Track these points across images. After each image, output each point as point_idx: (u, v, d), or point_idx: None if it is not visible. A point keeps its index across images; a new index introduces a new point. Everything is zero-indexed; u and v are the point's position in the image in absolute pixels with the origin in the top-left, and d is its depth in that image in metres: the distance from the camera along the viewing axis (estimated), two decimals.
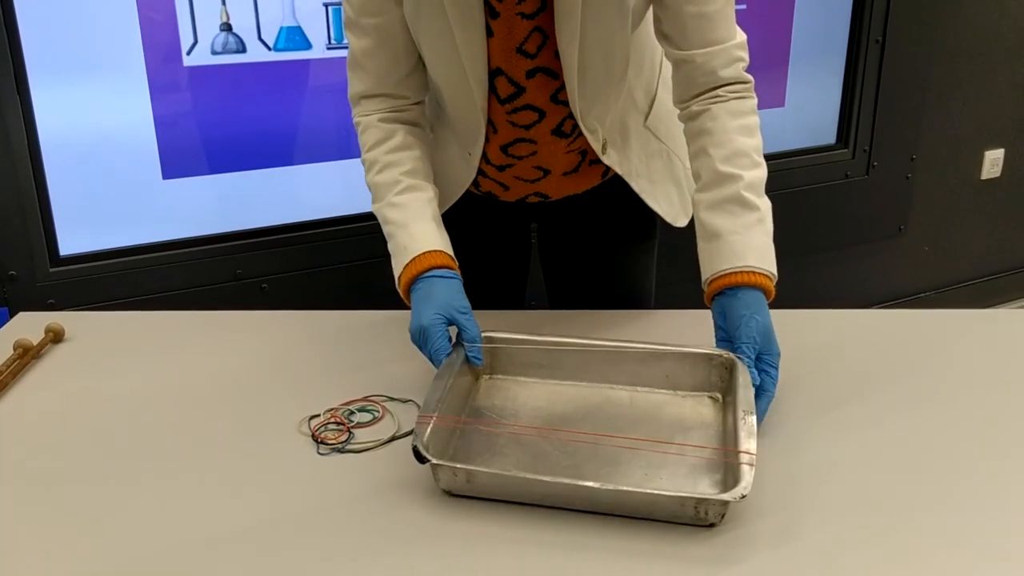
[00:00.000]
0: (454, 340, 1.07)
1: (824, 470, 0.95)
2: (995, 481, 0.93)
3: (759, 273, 1.06)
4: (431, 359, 1.06)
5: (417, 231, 1.14)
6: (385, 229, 1.17)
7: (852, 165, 2.59)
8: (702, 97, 1.14)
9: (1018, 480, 0.93)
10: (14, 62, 1.64)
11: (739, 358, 1.03)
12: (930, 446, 0.99)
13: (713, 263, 1.09)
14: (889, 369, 1.15)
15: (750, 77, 1.14)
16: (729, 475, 0.89)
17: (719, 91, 1.12)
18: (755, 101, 1.15)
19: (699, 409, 1.05)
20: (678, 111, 1.18)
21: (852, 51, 2.49)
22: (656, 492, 0.86)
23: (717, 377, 1.06)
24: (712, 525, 0.86)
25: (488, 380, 1.10)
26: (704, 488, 0.90)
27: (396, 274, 1.14)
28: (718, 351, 1.06)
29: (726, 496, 0.83)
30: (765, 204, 1.11)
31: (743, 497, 0.83)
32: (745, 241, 1.07)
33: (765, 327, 1.04)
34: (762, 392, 1.01)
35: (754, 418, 0.93)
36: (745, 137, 1.12)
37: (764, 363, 1.03)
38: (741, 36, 1.14)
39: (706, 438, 0.99)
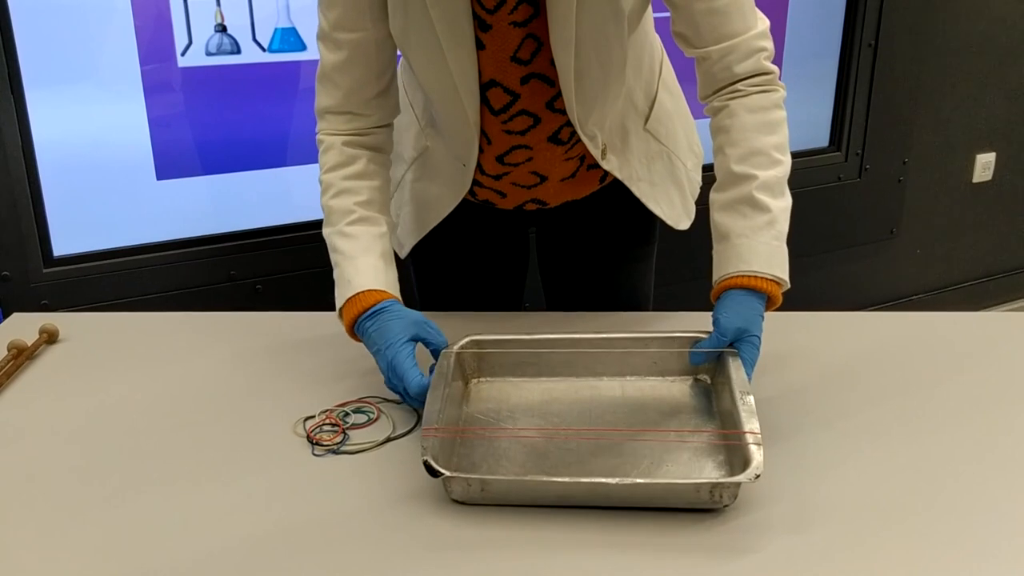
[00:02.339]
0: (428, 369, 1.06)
1: (816, 470, 0.95)
2: (988, 480, 0.93)
3: (761, 277, 1.05)
4: (410, 394, 1.03)
5: (363, 265, 1.11)
6: (332, 257, 1.14)
7: (845, 168, 2.60)
8: (722, 93, 1.11)
9: (1013, 471, 0.94)
10: (8, 62, 1.64)
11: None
12: (923, 448, 0.99)
13: (720, 265, 1.08)
14: (882, 371, 1.15)
15: (773, 68, 1.10)
16: (735, 456, 0.91)
17: (738, 86, 1.10)
18: (780, 94, 1.11)
19: (689, 392, 1.07)
20: (703, 107, 1.16)
21: (845, 54, 2.50)
22: (673, 482, 0.90)
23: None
24: (724, 507, 0.88)
25: (477, 384, 1.10)
26: (710, 470, 0.93)
27: (337, 306, 1.12)
28: (703, 333, 1.07)
29: (741, 478, 0.85)
30: (780, 204, 1.08)
31: (757, 477, 0.85)
32: (751, 245, 1.06)
33: (748, 324, 1.03)
34: None
35: (752, 398, 0.95)
36: (764, 135, 1.09)
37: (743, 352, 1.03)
38: (762, 24, 1.10)
39: (700, 421, 1.01)
